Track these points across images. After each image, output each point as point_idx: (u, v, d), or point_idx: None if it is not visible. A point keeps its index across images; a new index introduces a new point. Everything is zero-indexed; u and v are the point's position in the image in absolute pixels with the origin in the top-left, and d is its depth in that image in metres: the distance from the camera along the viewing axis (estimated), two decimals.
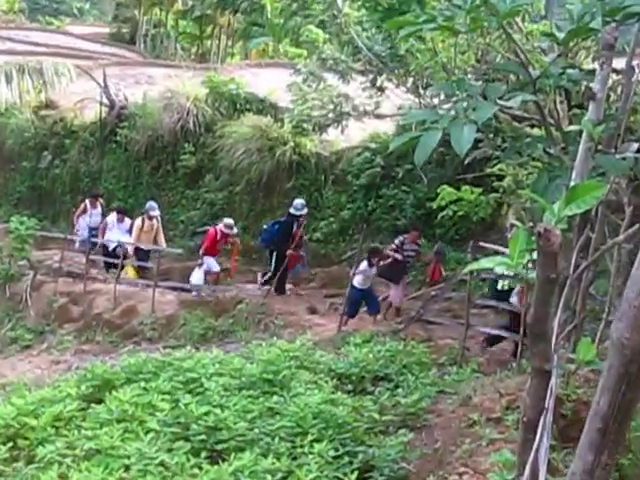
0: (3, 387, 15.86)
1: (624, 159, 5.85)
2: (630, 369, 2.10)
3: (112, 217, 23.60)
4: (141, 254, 22.93)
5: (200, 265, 21.34)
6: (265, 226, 21.30)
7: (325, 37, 19.77)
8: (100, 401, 10.35)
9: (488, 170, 15.71)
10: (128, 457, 8.14)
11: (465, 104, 5.31)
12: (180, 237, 26.44)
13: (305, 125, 21.01)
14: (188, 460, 8.19)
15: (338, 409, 9.67)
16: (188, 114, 27.58)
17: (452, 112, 5.26)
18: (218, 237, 21.43)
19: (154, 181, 28.49)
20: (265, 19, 48.56)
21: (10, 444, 9.10)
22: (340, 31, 18.83)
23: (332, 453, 8.50)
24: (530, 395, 3.03)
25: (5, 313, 21.78)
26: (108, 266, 23.09)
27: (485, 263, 4.42)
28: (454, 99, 5.77)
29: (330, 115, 20.11)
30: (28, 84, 31.36)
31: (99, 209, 24.89)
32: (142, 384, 10.60)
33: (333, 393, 10.47)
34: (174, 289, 21.42)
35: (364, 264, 17.71)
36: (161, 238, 23.16)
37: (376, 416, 9.93)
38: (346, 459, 8.61)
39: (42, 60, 33.06)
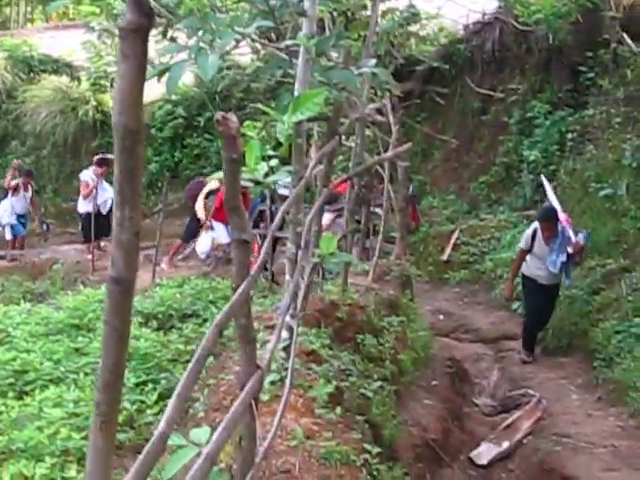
0: None
1: (360, 75, 6.40)
2: None
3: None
4: None
5: (208, 229, 17.56)
6: None
7: None
8: None
9: None
10: None
11: (210, 35, 5.78)
12: None
13: (102, 82, 21.10)
14: None
15: (141, 342, 10.05)
16: None
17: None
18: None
19: None
20: None
21: None
22: None
23: (134, 380, 8.90)
24: (235, 264, 3.50)
25: None
26: None
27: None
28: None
29: None
30: None
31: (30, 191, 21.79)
32: None
33: (137, 330, 10.82)
34: None
35: None
36: None
37: (181, 347, 10.32)
38: (150, 386, 9.01)
39: None
